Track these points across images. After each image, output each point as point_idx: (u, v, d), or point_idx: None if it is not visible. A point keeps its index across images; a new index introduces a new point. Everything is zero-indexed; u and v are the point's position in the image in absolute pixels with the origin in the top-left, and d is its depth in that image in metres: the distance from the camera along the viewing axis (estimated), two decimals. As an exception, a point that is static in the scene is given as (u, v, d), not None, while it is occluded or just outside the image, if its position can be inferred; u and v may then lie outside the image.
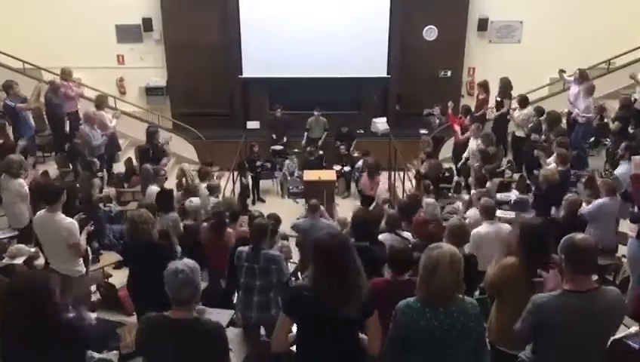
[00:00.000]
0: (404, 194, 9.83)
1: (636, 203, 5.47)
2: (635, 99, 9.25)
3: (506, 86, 10.26)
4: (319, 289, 2.93)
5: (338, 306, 2.87)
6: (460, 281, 2.84)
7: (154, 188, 7.24)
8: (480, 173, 8.02)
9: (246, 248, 4.75)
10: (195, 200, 7.10)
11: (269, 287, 4.72)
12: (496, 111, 10.48)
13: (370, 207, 7.46)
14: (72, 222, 5.06)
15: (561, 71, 10.37)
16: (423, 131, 11.79)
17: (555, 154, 7.61)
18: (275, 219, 5.96)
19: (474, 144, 9.32)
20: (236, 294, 5.44)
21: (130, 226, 4.93)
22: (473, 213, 6.56)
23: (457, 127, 10.27)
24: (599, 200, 6.16)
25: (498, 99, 10.34)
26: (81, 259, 5.28)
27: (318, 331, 2.99)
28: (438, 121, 11.54)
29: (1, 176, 6.66)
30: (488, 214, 5.76)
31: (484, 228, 5.61)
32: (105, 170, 9.25)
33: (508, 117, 10.20)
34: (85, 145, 8.67)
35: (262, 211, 6.38)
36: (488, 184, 7.54)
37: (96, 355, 4.10)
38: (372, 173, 9.52)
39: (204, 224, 6.42)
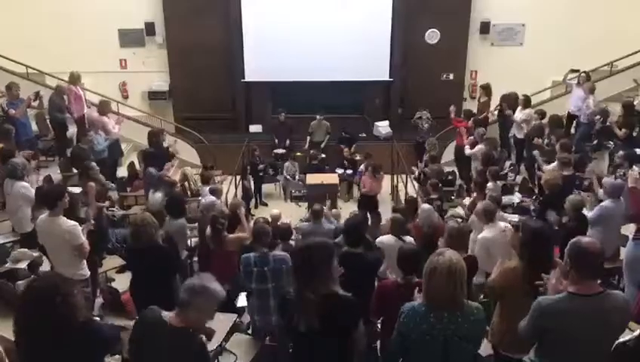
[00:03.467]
0: (406, 198, 9.82)
1: (634, 216, 5.45)
2: (639, 101, 9.26)
3: (512, 99, 10.18)
4: (296, 296, 2.96)
5: (307, 314, 2.88)
6: (460, 287, 2.84)
7: (157, 196, 7.22)
8: (479, 179, 8.02)
9: (252, 254, 4.74)
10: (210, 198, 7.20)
11: (283, 289, 4.70)
12: (499, 113, 10.48)
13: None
14: (74, 225, 5.05)
15: (572, 70, 10.24)
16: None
17: (557, 158, 7.59)
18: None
19: (478, 148, 9.30)
20: (241, 297, 5.46)
21: (133, 229, 4.95)
22: (473, 218, 6.54)
23: (464, 132, 10.25)
24: (602, 203, 6.13)
25: (504, 105, 10.31)
26: (85, 263, 5.26)
27: (304, 339, 2.99)
28: (427, 125, 11.51)
29: (5, 180, 6.65)
30: (489, 217, 5.75)
31: (490, 232, 5.59)
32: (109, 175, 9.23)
33: (510, 119, 10.18)
34: (90, 150, 8.68)
35: (264, 215, 6.41)
36: (491, 185, 7.51)
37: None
38: (375, 171, 9.56)
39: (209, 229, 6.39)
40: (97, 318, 4.55)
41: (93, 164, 7.60)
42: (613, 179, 6.80)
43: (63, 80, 10.03)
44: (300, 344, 3.03)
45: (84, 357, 2.93)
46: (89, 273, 5.32)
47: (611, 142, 8.98)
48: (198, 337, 2.96)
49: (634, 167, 7.02)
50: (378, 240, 5.59)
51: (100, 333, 3.04)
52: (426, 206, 7.05)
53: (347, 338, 3.00)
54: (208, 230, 5.98)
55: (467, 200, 7.98)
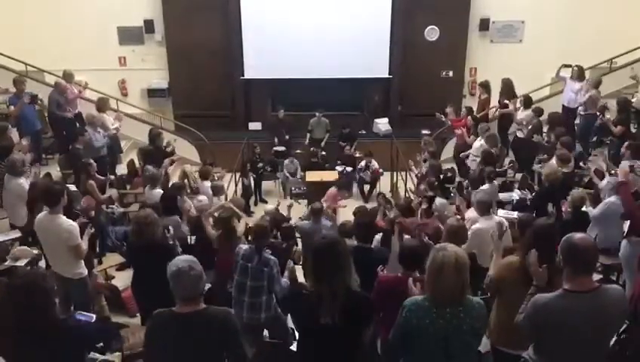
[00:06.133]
0: (406, 195, 9.83)
1: (625, 210, 5.46)
2: (637, 98, 9.28)
3: (508, 86, 10.24)
4: (313, 291, 2.96)
5: (328, 309, 2.89)
6: (466, 282, 2.84)
7: (155, 192, 7.20)
8: (474, 176, 8.04)
9: (246, 246, 4.78)
10: (203, 198, 7.16)
11: (260, 290, 4.73)
12: (501, 109, 10.47)
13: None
14: (72, 225, 5.05)
15: (565, 65, 10.24)
16: (424, 131, 11.77)
17: (556, 155, 7.60)
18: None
19: (478, 144, 9.30)
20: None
21: (136, 227, 4.95)
22: (470, 213, 6.55)
23: (462, 130, 10.25)
24: (606, 200, 6.11)
25: (506, 101, 10.31)
26: (83, 262, 5.26)
27: (316, 335, 3.00)
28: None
29: (5, 176, 6.69)
30: (483, 209, 5.77)
31: (482, 224, 5.61)
32: (108, 172, 9.22)
33: (511, 117, 10.19)
34: (88, 149, 8.67)
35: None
36: (487, 185, 7.50)
37: (100, 357, 4.11)
38: (342, 189, 9.41)
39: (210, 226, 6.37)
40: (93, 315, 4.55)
41: (92, 161, 7.62)
42: (608, 175, 6.82)
43: (61, 77, 10.01)
44: (315, 340, 3.03)
45: (63, 354, 2.93)
46: (86, 272, 5.30)
47: (610, 139, 9.00)
48: (215, 309, 2.99)
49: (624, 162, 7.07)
50: (376, 237, 5.61)
51: (78, 330, 3.07)
52: (442, 200, 7.10)
53: (360, 333, 3.02)
54: (211, 229, 5.98)
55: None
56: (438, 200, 7.08)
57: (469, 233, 5.59)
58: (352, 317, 2.94)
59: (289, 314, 3.08)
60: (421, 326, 2.86)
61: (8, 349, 2.89)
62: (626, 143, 7.50)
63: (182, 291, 2.89)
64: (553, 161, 7.66)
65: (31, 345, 2.83)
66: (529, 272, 3.36)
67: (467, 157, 9.55)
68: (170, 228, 5.83)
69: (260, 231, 4.85)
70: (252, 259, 4.73)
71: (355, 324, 3.00)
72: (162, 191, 7.15)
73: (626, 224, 6.07)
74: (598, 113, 9.19)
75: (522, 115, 9.74)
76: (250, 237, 5.47)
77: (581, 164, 8.50)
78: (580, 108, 9.53)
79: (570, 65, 10.06)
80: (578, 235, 2.93)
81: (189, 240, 6.42)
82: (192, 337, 2.89)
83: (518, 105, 10.16)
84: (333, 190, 9.35)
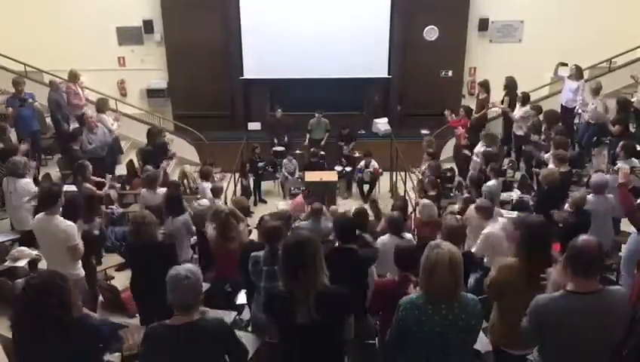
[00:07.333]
0: (405, 195, 9.83)
1: (623, 211, 5.45)
2: (637, 98, 9.26)
3: (512, 84, 10.23)
4: (286, 291, 2.97)
5: (303, 308, 2.89)
6: (460, 280, 2.85)
7: (156, 194, 7.18)
8: (474, 175, 8.04)
9: (261, 252, 4.70)
10: (204, 202, 7.15)
11: None
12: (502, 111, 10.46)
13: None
14: (70, 225, 5.05)
15: (562, 64, 10.24)
16: (424, 131, 11.77)
17: (552, 156, 7.60)
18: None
19: (479, 145, 9.30)
20: (241, 295, 5.45)
21: (134, 227, 4.95)
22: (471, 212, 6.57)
23: (461, 131, 10.24)
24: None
25: (506, 98, 10.32)
26: (80, 263, 5.26)
27: (298, 333, 3.00)
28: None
29: (4, 179, 6.66)
30: (486, 213, 5.78)
31: (494, 228, 5.61)
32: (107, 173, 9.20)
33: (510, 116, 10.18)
34: (81, 151, 8.67)
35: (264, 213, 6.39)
36: (493, 182, 7.51)
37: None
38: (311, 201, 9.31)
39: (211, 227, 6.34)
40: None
41: (87, 162, 7.60)
42: (608, 174, 6.81)
43: (61, 78, 10.01)
44: (293, 339, 3.03)
45: (80, 353, 2.93)
46: (83, 273, 5.29)
47: (609, 138, 9.00)
48: (211, 319, 3.00)
49: (619, 163, 7.06)
50: (379, 240, 5.60)
51: (95, 331, 3.06)
52: (425, 201, 7.08)
53: (338, 330, 3.03)
54: (211, 230, 5.93)
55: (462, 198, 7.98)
56: (422, 202, 7.06)
57: (481, 239, 5.60)
58: (328, 313, 2.94)
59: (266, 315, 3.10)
60: (417, 324, 2.87)
61: (23, 348, 2.89)
62: (621, 143, 7.55)
63: (175, 298, 2.89)
64: (550, 161, 7.66)
65: (46, 344, 2.83)
66: (529, 273, 3.36)
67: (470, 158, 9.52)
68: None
69: (276, 231, 4.73)
70: (276, 260, 4.65)
71: (332, 320, 2.99)
72: (164, 191, 7.11)
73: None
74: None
75: (520, 111, 9.73)
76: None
77: (587, 165, 8.48)
78: (595, 119, 9.38)
79: (566, 64, 10.07)
80: (583, 237, 2.92)
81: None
82: (186, 350, 2.88)
83: (517, 105, 10.14)
84: (299, 199, 9.26)
